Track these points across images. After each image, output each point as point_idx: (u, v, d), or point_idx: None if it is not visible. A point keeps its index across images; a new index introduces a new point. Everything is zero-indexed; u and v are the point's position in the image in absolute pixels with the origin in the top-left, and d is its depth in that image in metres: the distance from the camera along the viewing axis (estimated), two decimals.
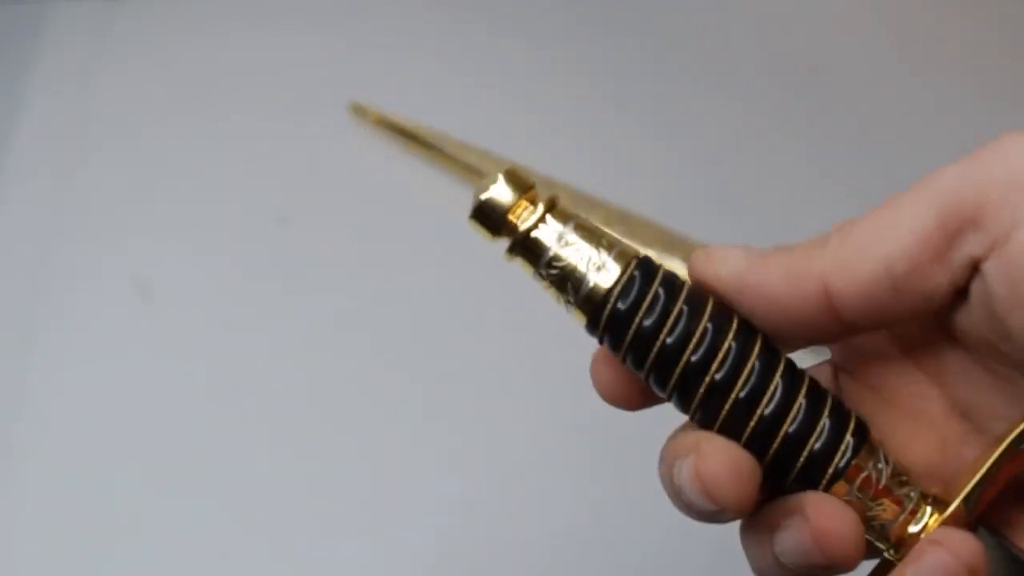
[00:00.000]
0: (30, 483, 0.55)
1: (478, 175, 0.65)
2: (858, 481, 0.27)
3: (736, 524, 0.31)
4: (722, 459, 0.26)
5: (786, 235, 0.32)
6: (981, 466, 0.26)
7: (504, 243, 0.28)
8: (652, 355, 0.27)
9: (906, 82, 0.76)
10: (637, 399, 0.30)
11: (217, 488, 0.56)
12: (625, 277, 0.27)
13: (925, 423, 0.30)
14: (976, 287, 0.25)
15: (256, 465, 0.56)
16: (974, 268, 0.25)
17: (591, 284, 0.27)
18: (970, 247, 0.24)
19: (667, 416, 0.31)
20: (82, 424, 0.57)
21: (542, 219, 0.27)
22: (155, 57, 0.74)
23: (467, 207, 0.28)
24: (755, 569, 0.29)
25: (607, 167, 0.69)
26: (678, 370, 0.27)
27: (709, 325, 0.27)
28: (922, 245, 0.24)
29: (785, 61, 0.77)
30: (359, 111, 0.70)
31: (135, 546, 0.54)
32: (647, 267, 0.28)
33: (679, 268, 0.63)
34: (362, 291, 0.63)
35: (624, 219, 0.65)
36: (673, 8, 0.80)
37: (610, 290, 0.27)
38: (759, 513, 0.28)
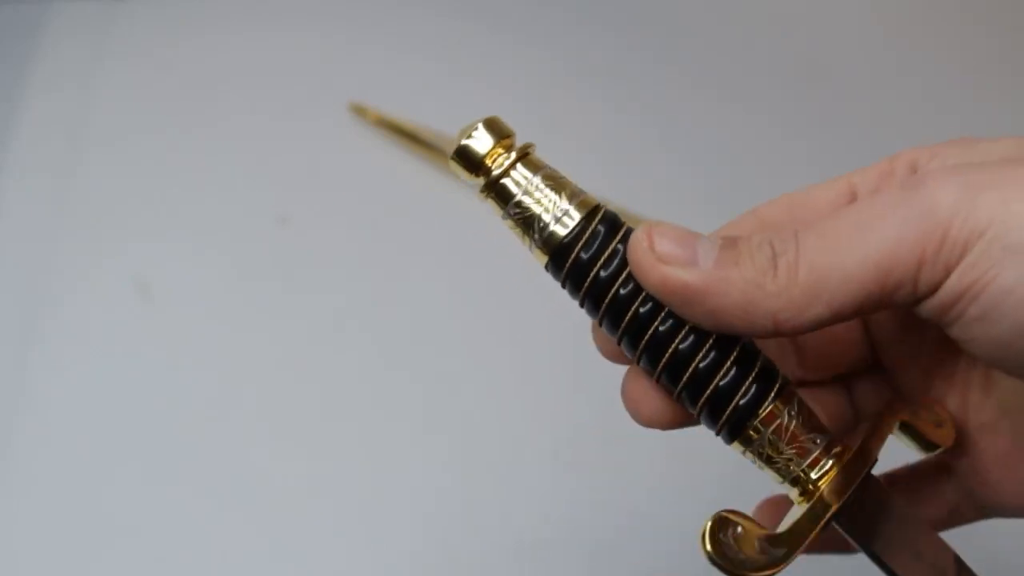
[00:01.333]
0: (31, 481, 0.55)
1: None
2: (773, 426, 0.30)
3: None
4: (636, 381, 0.31)
5: None
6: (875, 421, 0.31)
7: (480, 183, 0.31)
8: (606, 303, 0.30)
9: (906, 82, 0.76)
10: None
11: (216, 486, 0.56)
12: (590, 229, 0.30)
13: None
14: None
15: (255, 464, 0.57)
16: (913, 304, 0.27)
17: (550, 230, 0.30)
18: (907, 293, 0.27)
19: None
20: (82, 423, 0.57)
21: (513, 166, 0.30)
22: (155, 57, 0.74)
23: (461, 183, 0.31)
24: None
25: (607, 167, 0.69)
26: (627, 319, 0.30)
27: None
28: (865, 298, 0.27)
29: (785, 62, 0.77)
30: (359, 111, 0.70)
31: (134, 544, 0.54)
32: (611, 221, 0.31)
33: None
34: (361, 291, 0.63)
35: (624, 219, 0.65)
36: (674, 8, 0.80)
37: (570, 238, 0.30)
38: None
